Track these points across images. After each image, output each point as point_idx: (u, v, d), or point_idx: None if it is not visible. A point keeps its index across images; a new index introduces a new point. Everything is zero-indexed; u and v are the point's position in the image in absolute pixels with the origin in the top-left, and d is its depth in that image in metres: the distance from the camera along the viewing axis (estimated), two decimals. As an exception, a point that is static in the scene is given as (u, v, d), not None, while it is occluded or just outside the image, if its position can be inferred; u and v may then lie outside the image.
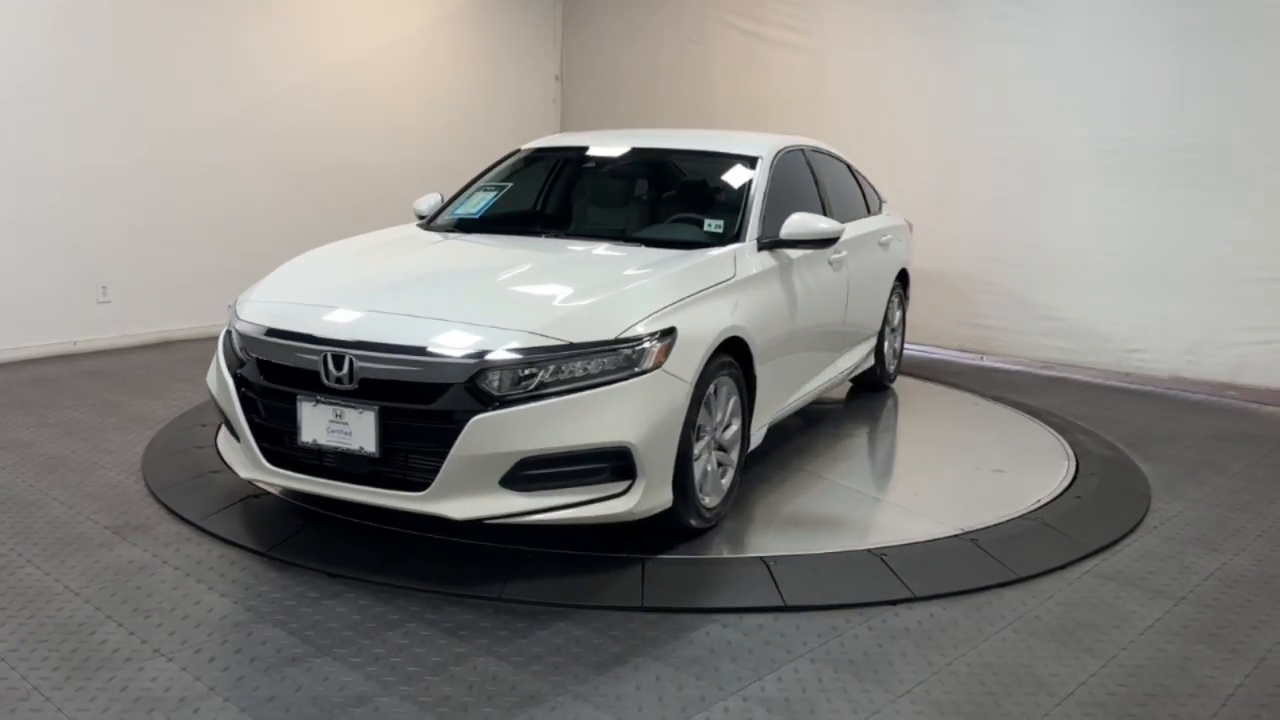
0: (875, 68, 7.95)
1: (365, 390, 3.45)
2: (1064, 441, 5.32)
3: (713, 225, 4.48)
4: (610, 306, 3.60)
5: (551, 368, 3.36)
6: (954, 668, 3.04)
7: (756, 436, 4.36)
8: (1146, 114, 6.70)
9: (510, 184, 5.23)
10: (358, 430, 3.45)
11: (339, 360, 3.48)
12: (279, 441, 3.66)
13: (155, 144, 7.30)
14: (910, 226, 6.70)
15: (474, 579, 3.49)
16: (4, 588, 3.39)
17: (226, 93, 7.66)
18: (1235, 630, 3.35)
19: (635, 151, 5.21)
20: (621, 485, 3.46)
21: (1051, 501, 4.41)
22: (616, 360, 3.42)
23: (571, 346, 3.39)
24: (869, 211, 6.02)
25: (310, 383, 3.54)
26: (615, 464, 3.43)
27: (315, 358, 3.52)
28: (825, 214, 5.11)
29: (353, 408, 3.45)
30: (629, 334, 3.47)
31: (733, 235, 4.40)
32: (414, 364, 3.40)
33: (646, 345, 3.48)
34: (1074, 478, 4.73)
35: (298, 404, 3.55)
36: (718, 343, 3.76)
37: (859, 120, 7.95)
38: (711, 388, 3.80)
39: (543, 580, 3.50)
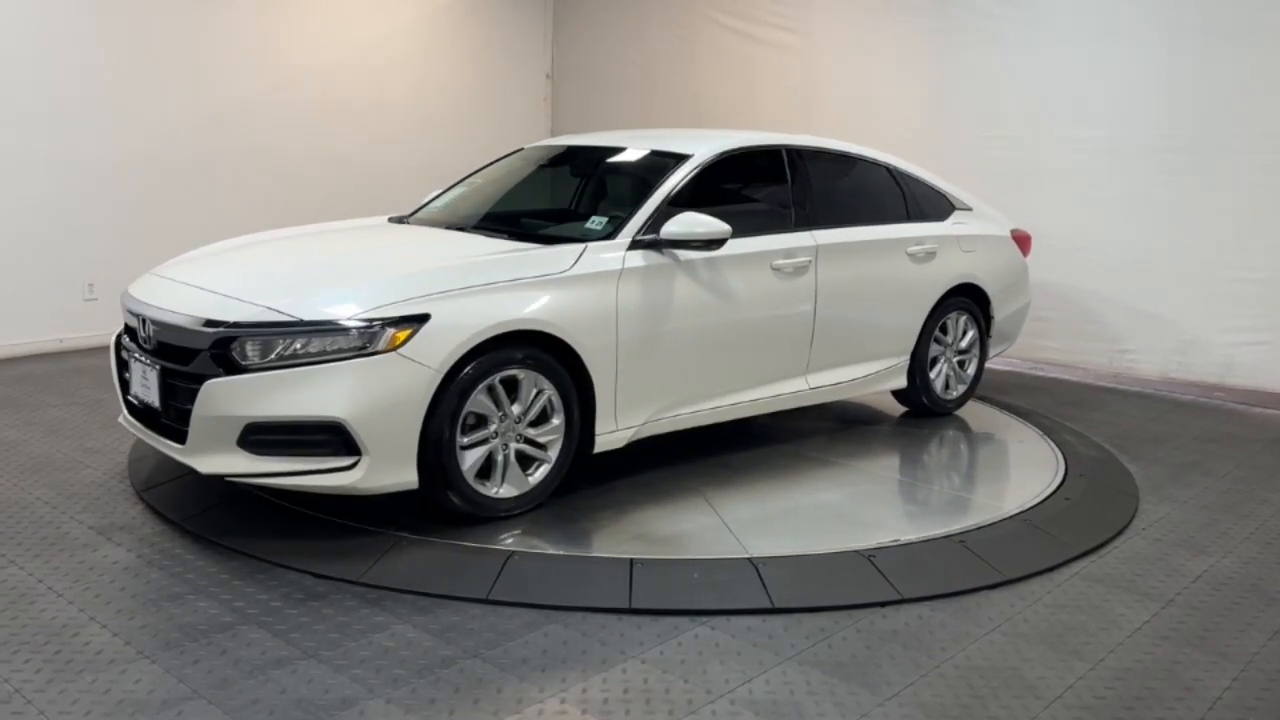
0: (865, 67, 7.95)
1: (156, 351, 3.89)
2: (1052, 443, 5.33)
3: (595, 223, 4.45)
4: (363, 288, 3.74)
5: (296, 342, 3.57)
6: (942, 670, 3.03)
7: (613, 439, 4.25)
8: (1135, 115, 6.70)
9: (479, 182, 5.49)
10: (152, 386, 3.90)
11: (144, 323, 3.93)
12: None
13: (142, 140, 7.25)
14: (1020, 239, 6.11)
15: (460, 581, 3.47)
16: (-14, 589, 3.37)
17: (214, 89, 7.62)
18: (1223, 633, 3.35)
19: (579, 151, 5.43)
20: (350, 459, 3.61)
21: (1040, 503, 4.40)
22: (348, 340, 3.58)
23: (301, 323, 3.59)
24: (909, 217, 5.53)
25: (136, 342, 4.06)
26: (340, 438, 3.58)
27: (136, 320, 4.01)
28: (797, 218, 4.91)
29: (149, 366, 3.91)
30: (364, 316, 3.60)
31: (612, 233, 4.35)
32: (177, 330, 3.77)
33: (379, 328, 3.59)
34: (1063, 479, 4.73)
35: (130, 360, 4.09)
36: (489, 334, 3.76)
37: (848, 119, 7.92)
38: (496, 378, 3.83)
39: (530, 582, 3.49)
